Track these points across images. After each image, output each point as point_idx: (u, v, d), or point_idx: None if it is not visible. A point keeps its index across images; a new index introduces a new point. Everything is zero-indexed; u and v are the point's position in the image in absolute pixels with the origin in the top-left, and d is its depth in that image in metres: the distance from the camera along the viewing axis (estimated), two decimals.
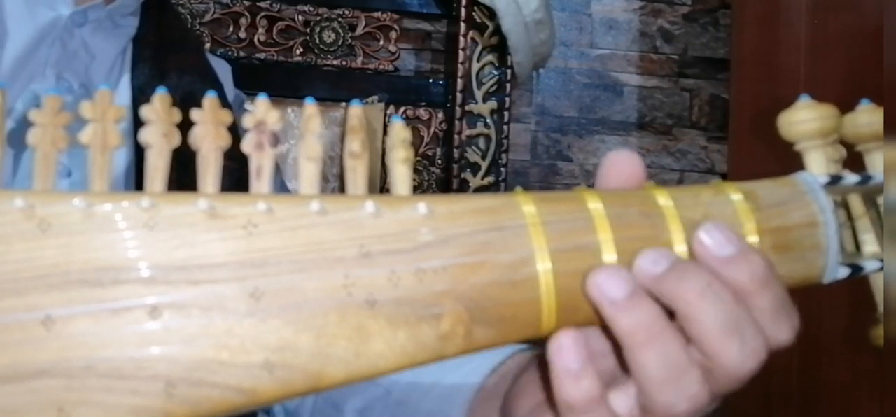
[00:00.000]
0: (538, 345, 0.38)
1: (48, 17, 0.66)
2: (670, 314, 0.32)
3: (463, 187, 1.56)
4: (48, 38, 0.66)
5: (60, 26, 0.66)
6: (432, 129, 1.63)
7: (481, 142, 1.58)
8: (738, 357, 0.32)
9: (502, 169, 1.58)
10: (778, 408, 1.42)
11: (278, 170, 0.85)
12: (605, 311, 0.31)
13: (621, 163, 0.36)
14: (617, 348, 0.34)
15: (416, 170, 1.59)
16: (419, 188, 1.61)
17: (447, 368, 0.51)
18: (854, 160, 0.39)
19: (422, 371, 0.53)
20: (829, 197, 0.37)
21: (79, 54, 0.68)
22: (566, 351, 0.32)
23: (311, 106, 0.30)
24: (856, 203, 0.39)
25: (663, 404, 0.32)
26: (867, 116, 0.39)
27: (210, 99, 0.29)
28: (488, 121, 1.58)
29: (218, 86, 0.75)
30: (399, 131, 0.31)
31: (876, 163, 0.39)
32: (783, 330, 0.33)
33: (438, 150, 1.63)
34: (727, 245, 0.33)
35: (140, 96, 0.69)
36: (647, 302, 0.32)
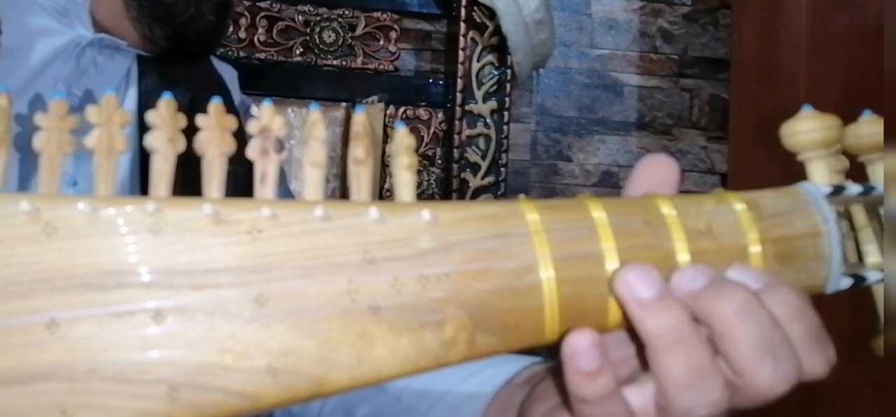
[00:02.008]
0: (551, 357, 0.38)
1: (69, 36, 0.70)
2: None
3: (463, 187, 1.56)
4: (64, 54, 0.69)
5: (79, 47, 0.70)
6: (432, 129, 1.63)
7: (481, 142, 1.57)
8: (770, 379, 0.32)
9: (502, 169, 1.58)
10: (778, 408, 1.42)
11: (282, 172, 0.86)
12: (632, 311, 0.31)
13: (657, 167, 0.36)
14: (639, 346, 0.34)
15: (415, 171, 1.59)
16: (419, 188, 1.61)
17: (459, 378, 0.51)
18: (857, 171, 0.40)
19: (433, 380, 0.54)
20: (832, 207, 0.37)
21: (88, 71, 0.71)
22: (581, 355, 0.32)
23: (315, 112, 0.30)
24: (858, 213, 0.39)
25: (682, 407, 0.32)
26: (869, 127, 0.39)
27: (215, 104, 0.29)
28: (488, 121, 1.58)
29: (225, 93, 0.76)
30: (403, 138, 0.32)
31: (878, 173, 0.39)
32: (818, 362, 0.33)
33: (438, 150, 1.63)
34: (756, 280, 0.33)
35: (146, 104, 0.71)
36: (676, 306, 0.32)
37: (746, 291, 0.32)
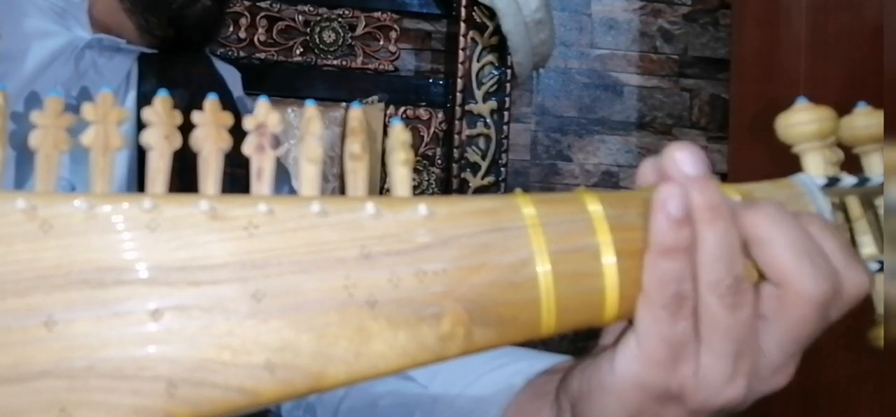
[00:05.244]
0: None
1: (66, 38, 0.69)
2: None
3: (463, 187, 1.56)
4: (62, 57, 0.68)
5: (77, 48, 0.69)
6: (432, 129, 1.62)
7: (481, 142, 1.57)
8: (811, 281, 0.33)
9: (502, 169, 1.58)
10: (778, 408, 1.42)
11: (286, 173, 0.85)
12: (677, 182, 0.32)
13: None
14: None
15: (415, 170, 1.59)
16: (419, 188, 1.61)
17: (488, 368, 0.51)
18: (851, 163, 0.40)
19: (459, 370, 0.53)
20: (827, 198, 0.37)
21: (88, 73, 0.70)
22: (671, 199, 0.32)
23: (311, 108, 0.30)
24: (853, 205, 0.40)
25: (711, 279, 0.33)
26: (864, 119, 0.39)
27: (211, 101, 0.29)
28: (488, 121, 1.58)
29: (225, 92, 0.76)
30: (399, 133, 0.32)
31: (873, 165, 0.39)
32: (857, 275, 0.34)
33: (438, 150, 1.63)
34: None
35: (145, 104, 0.70)
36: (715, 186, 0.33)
37: (776, 207, 0.33)
